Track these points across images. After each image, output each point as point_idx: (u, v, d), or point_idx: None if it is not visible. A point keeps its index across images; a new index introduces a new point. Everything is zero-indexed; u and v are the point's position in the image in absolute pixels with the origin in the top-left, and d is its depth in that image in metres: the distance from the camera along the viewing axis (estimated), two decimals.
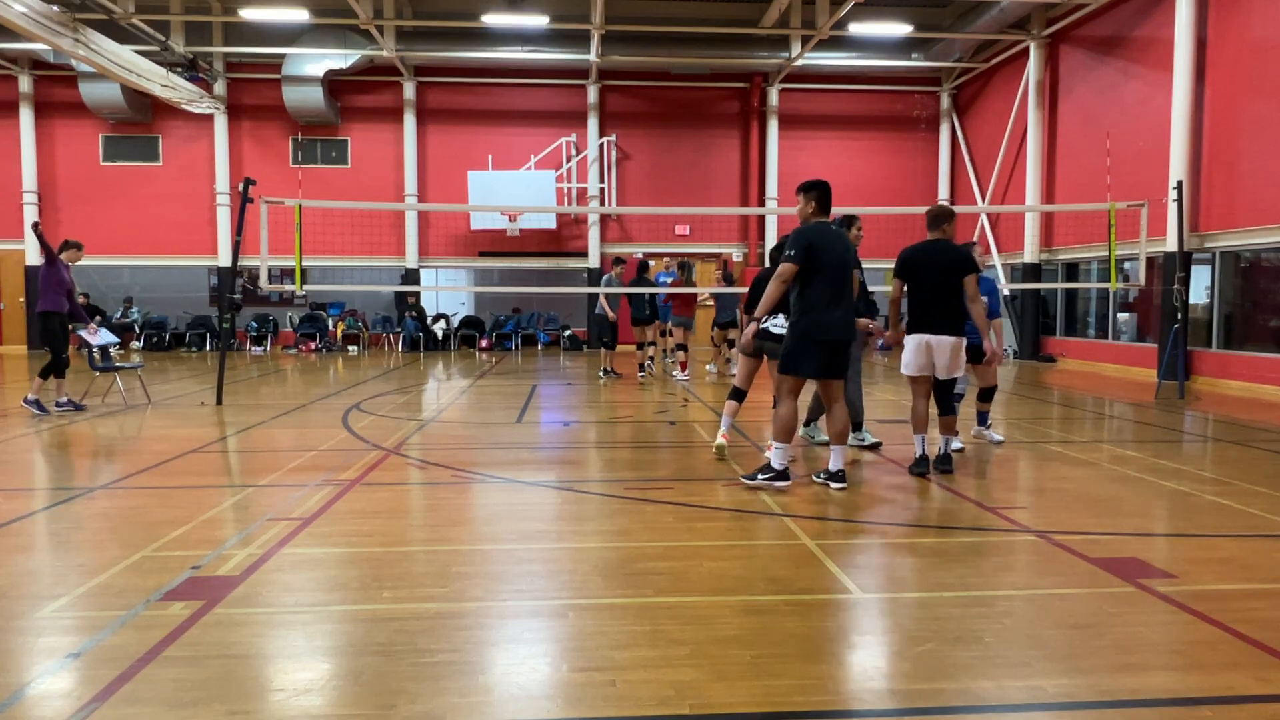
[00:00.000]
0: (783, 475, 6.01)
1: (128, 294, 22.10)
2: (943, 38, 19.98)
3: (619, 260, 14.68)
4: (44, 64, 20.76)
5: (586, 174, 22.36)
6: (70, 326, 10.24)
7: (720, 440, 7.22)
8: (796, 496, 5.88)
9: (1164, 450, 7.86)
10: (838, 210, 6.95)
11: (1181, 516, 5.47)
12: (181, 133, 21.75)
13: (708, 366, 15.69)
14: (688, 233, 22.94)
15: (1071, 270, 18.33)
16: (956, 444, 7.64)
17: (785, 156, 22.29)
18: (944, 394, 6.75)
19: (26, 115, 21.19)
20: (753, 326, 6.52)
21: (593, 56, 20.20)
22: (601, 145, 22.33)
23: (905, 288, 6.76)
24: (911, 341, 6.67)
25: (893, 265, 8.12)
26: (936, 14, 20.27)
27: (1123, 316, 16.93)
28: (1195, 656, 3.26)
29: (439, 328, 21.79)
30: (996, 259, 20.14)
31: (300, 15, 18.08)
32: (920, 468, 6.60)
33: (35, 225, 10.10)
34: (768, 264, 7.95)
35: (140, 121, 21.49)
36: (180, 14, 19.36)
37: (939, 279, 6.58)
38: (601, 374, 14.48)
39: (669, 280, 18.84)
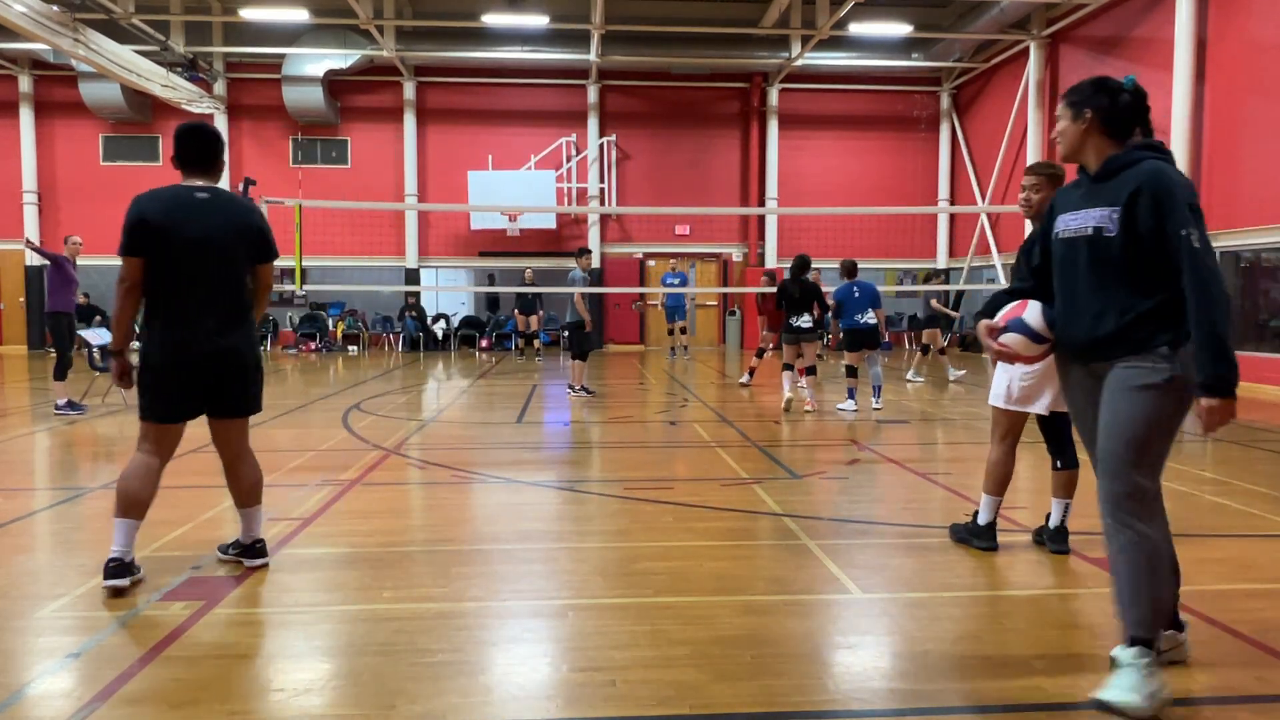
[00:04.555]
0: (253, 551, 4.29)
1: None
2: (943, 38, 19.99)
3: (584, 251, 11.99)
4: (44, 64, 20.75)
5: (586, 174, 22.36)
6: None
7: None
8: (797, 496, 5.88)
9: None
10: (831, 208, 6.79)
11: (1181, 516, 5.45)
12: None
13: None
14: (688, 233, 22.93)
15: None
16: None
17: (785, 156, 22.27)
18: (1065, 436, 4.43)
19: (26, 115, 21.18)
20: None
21: (593, 56, 20.20)
22: (601, 145, 22.33)
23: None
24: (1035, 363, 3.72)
25: (893, 267, 8.03)
26: (936, 14, 20.26)
27: None
28: (1195, 656, 3.25)
29: (439, 328, 21.80)
30: (997, 259, 20.13)
31: (300, 15, 18.08)
32: (984, 540, 4.57)
33: (27, 242, 10.05)
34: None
35: (140, 121, 21.48)
36: (180, 14, 19.36)
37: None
38: (573, 390, 11.73)
39: (674, 281, 18.98)
